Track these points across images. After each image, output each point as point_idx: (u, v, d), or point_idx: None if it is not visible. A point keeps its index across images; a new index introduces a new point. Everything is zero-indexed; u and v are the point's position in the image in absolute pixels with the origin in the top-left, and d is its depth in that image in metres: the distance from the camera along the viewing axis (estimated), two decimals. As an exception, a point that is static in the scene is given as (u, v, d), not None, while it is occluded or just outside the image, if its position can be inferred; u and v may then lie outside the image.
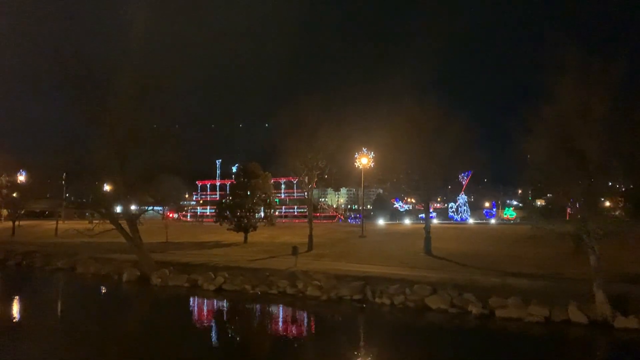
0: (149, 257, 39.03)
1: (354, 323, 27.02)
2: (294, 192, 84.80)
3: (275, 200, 62.84)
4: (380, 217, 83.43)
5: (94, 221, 41.68)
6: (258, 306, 30.26)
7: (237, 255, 43.81)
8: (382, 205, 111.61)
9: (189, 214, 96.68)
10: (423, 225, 43.74)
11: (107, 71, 40.79)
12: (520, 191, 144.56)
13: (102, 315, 28.98)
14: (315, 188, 51.40)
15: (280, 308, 29.79)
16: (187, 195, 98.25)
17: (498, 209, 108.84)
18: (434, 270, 33.91)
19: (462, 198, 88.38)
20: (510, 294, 26.43)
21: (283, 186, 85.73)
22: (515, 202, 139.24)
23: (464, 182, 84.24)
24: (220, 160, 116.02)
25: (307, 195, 49.66)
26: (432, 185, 42.94)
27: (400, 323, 26.20)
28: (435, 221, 66.71)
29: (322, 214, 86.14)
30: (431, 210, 50.82)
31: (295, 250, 38.11)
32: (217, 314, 30.22)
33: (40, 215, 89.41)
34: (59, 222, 67.82)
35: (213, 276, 34.67)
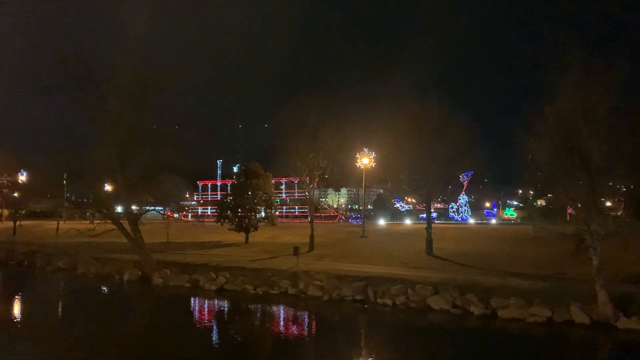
0: (150, 257, 39.03)
1: (355, 323, 27.02)
2: (294, 192, 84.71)
3: (276, 200, 62.73)
4: (380, 217, 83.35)
5: (95, 221, 41.71)
6: (260, 306, 30.23)
7: (238, 255, 43.80)
8: (382, 205, 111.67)
9: (189, 214, 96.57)
10: (424, 226, 43.70)
11: (108, 71, 40.92)
12: (520, 191, 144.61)
13: (103, 316, 28.95)
14: (316, 188, 51.37)
15: (282, 308, 29.79)
16: (187, 195, 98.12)
17: (499, 209, 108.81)
18: (435, 270, 33.89)
19: (463, 198, 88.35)
20: (512, 294, 26.41)
21: (284, 186, 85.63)
22: (515, 202, 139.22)
23: (464, 183, 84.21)
24: (221, 161, 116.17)
25: (309, 195, 49.63)
26: (434, 186, 42.89)
27: (402, 323, 26.19)
28: (435, 221, 66.62)
29: (323, 214, 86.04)
30: (432, 210, 50.74)
31: (296, 251, 38.10)
32: (218, 314, 30.23)
33: (41, 215, 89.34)
34: (59, 222, 67.84)
35: (214, 276, 34.69)
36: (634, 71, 25.24)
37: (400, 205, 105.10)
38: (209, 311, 30.84)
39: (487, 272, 32.73)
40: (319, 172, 46.65)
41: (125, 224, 39.58)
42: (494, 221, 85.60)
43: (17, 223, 68.75)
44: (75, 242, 48.33)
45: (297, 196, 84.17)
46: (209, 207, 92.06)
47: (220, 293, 32.90)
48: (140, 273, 37.69)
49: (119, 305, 33.14)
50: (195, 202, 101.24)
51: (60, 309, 31.55)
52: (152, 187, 40.97)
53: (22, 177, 76.41)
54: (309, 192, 49.18)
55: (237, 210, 52.41)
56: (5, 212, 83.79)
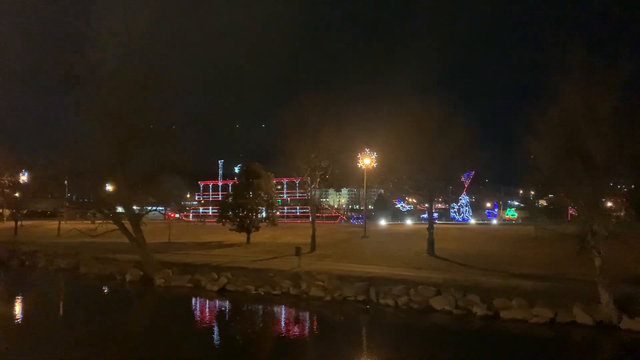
0: (152, 258, 39.02)
1: (358, 324, 27.01)
2: (296, 193, 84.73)
3: (278, 200, 62.72)
4: (381, 218, 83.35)
5: (97, 221, 41.72)
6: (262, 307, 30.18)
7: (239, 255, 43.79)
8: (383, 205, 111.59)
9: (191, 214, 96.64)
10: (425, 226, 43.69)
11: (109, 71, 40.94)
12: (521, 191, 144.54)
13: (104, 316, 28.91)
14: (317, 188, 51.37)
15: (284, 309, 29.73)
16: (188, 196, 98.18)
17: (500, 209, 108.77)
18: (437, 271, 33.85)
19: (464, 198, 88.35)
20: (514, 295, 26.39)
21: (285, 186, 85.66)
22: (516, 203, 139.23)
23: (465, 183, 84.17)
24: (222, 161, 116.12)
25: (310, 195, 49.61)
26: (435, 186, 42.87)
27: (405, 324, 26.15)
28: (436, 221, 66.64)
29: (325, 214, 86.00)
30: (433, 210, 50.69)
31: (298, 251, 38.08)
32: (220, 314, 30.20)
33: (42, 215, 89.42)
34: (61, 222, 67.87)
35: (216, 277, 34.66)
36: (635, 70, 25.20)
37: (402, 206, 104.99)
38: (210, 312, 30.83)
39: (489, 273, 32.70)
40: (321, 173, 46.65)
41: (127, 224, 39.60)
42: (495, 221, 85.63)
43: (19, 223, 68.73)
44: (76, 242, 48.31)
45: (299, 196, 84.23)
46: (210, 207, 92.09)
47: (222, 293, 32.85)
48: (141, 273, 37.67)
49: (121, 305, 33.11)
50: (196, 202, 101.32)
51: (61, 310, 31.62)
52: (153, 187, 40.94)
53: (24, 177, 76.56)
54: (310, 193, 49.15)
55: (238, 211, 52.41)
56: (7, 212, 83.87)
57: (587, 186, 25.40)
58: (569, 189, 27.05)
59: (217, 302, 31.78)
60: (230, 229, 52.69)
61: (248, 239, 52.24)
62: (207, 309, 31.30)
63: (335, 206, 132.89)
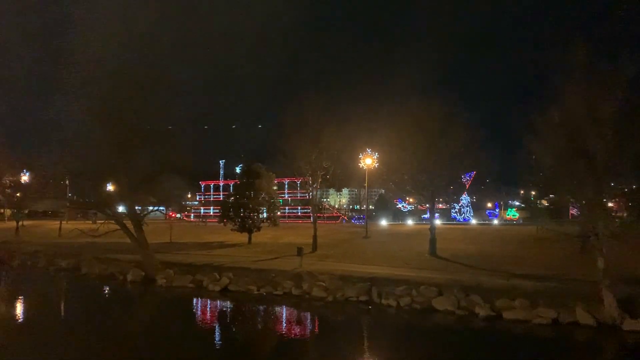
0: (154, 258, 39.01)
1: (360, 324, 27.01)
2: (297, 193, 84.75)
3: (279, 201, 62.74)
4: (382, 218, 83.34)
5: (99, 221, 41.71)
6: (264, 307, 30.15)
7: (241, 255, 43.77)
8: (384, 205, 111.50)
9: (192, 214, 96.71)
10: (426, 226, 43.71)
11: (109, 71, 40.92)
12: (522, 192, 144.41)
13: (106, 316, 28.92)
14: (318, 189, 51.36)
15: (286, 309, 29.70)
16: (189, 196, 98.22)
17: (500, 209, 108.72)
18: (439, 271, 33.81)
19: (465, 199, 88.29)
20: (517, 295, 26.36)
21: (286, 187, 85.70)
22: (517, 203, 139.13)
23: (466, 183, 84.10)
24: (223, 161, 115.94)
25: (312, 195, 49.59)
26: (437, 186, 42.85)
27: (407, 325, 26.13)
28: (438, 222, 66.68)
29: (326, 214, 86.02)
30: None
31: (300, 251, 38.07)
32: (222, 315, 30.18)
33: (43, 215, 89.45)
34: (62, 222, 67.86)
35: (218, 277, 34.65)
36: (637, 70, 25.13)
37: (403, 206, 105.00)
38: (213, 312, 30.82)
39: (491, 273, 32.65)
40: (322, 173, 46.64)
41: (128, 224, 39.59)
42: (496, 221, 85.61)
43: (20, 223, 68.71)
44: (77, 243, 48.33)
45: (300, 197, 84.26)
46: (212, 207, 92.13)
47: (224, 294, 32.84)
48: (143, 273, 37.67)
49: (122, 306, 33.09)
50: (197, 202, 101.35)
51: (62, 310, 31.59)
52: (154, 188, 40.93)
53: (25, 177, 76.59)
54: (312, 193, 49.14)
55: (239, 211, 52.40)
56: (8, 212, 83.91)
57: (589, 186, 25.40)
58: (571, 189, 27.04)
59: (220, 302, 31.76)
60: (231, 229, 52.69)
61: (249, 239, 52.23)
62: (209, 310, 31.31)
63: (336, 206, 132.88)
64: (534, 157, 31.66)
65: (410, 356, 21.57)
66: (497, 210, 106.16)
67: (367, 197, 76.41)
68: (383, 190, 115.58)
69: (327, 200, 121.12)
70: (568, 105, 25.97)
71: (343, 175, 52.26)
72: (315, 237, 45.95)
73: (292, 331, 25.78)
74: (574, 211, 35.56)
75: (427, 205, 48.37)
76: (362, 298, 29.27)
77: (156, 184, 40.56)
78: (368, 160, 58.78)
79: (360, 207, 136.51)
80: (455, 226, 69.95)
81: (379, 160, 57.13)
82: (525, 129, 29.15)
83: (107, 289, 37.08)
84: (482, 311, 25.63)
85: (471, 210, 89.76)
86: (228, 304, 31.44)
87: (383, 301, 28.57)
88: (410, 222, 79.11)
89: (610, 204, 31.93)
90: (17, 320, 28.63)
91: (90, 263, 42.21)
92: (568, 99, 25.97)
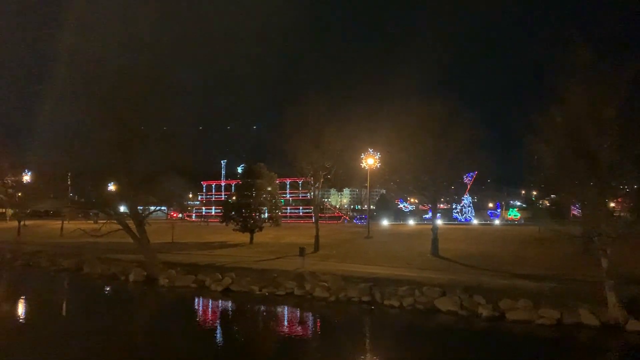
0: (156, 258, 39.00)
1: (363, 325, 26.99)
2: (299, 193, 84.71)
3: (281, 201, 62.72)
4: (384, 218, 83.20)
5: (101, 221, 41.70)
6: (266, 307, 30.10)
7: (243, 255, 43.77)
8: (385, 205, 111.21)
9: (194, 214, 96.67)
10: (428, 226, 43.66)
11: (113, 72, 40.95)
12: (523, 192, 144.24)
13: (109, 316, 28.91)
14: (320, 189, 51.32)
15: (289, 309, 29.69)
16: (190, 196, 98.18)
17: (502, 209, 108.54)
18: (442, 271, 33.81)
19: (467, 199, 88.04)
20: (519, 296, 26.34)
21: (288, 187, 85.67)
22: (518, 203, 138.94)
23: (468, 183, 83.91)
24: (225, 161, 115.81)
25: (314, 195, 49.57)
26: (439, 186, 42.82)
27: (410, 325, 26.12)
28: (439, 222, 66.65)
29: (328, 214, 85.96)
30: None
31: (302, 251, 38.07)
32: (225, 315, 30.19)
33: (45, 215, 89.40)
34: (63, 222, 67.84)
35: (220, 277, 34.62)
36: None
37: (404, 206, 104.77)
38: (215, 312, 30.81)
39: (493, 274, 32.68)
40: (324, 173, 46.62)
41: (131, 224, 39.56)
42: (497, 222, 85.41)
43: (21, 223, 68.76)
44: (79, 242, 48.29)
45: (301, 197, 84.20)
46: (213, 207, 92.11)
47: (226, 294, 32.82)
48: (145, 273, 37.66)
49: (125, 306, 33.06)
50: (198, 202, 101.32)
51: (64, 310, 31.56)
52: (156, 188, 40.92)
53: (27, 177, 76.58)
54: (314, 193, 49.12)
55: (241, 211, 52.38)
56: (10, 211, 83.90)
57: (591, 187, 25.35)
58: (574, 189, 26.97)
59: (222, 302, 31.75)
60: (233, 229, 52.68)
61: (251, 239, 52.22)
62: (212, 310, 31.30)
63: (337, 206, 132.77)
64: (535, 157, 31.59)
65: (413, 357, 21.58)
66: (498, 210, 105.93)
67: (369, 197, 76.16)
68: (384, 191, 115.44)
69: (328, 200, 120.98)
70: (570, 105, 25.91)
71: (345, 175, 52.19)
72: (317, 237, 45.93)
73: (295, 331, 25.77)
74: (575, 211, 35.48)
75: (430, 205, 48.33)
76: (365, 298, 29.25)
77: (157, 184, 40.54)
78: (370, 160, 58.69)
79: (362, 207, 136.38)
80: (457, 226, 69.81)
81: (381, 160, 57.08)
82: (526, 129, 29.09)
83: (109, 289, 37.09)
84: (485, 312, 25.62)
85: (473, 211, 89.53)
86: (230, 304, 31.45)
87: (386, 301, 28.56)
88: (411, 222, 78.91)
89: (611, 204, 31.80)
90: (19, 320, 28.66)
91: (93, 263, 42.21)
92: (570, 99, 25.91)
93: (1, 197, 77.71)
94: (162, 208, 53.66)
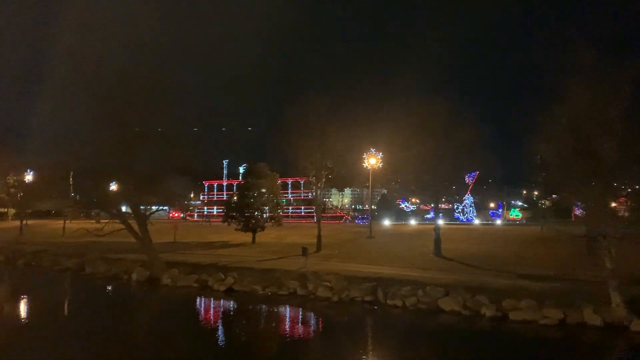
0: (158, 257, 39.00)
1: (366, 325, 26.98)
2: (300, 193, 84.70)
3: (282, 200, 62.74)
4: (385, 218, 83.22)
5: (103, 221, 41.73)
6: (269, 307, 30.10)
7: (245, 255, 43.77)
8: (386, 205, 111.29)
9: (195, 214, 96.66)
10: (430, 226, 43.67)
11: (114, 71, 40.97)
12: (524, 192, 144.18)
13: (111, 316, 28.92)
14: (322, 188, 51.32)
15: (292, 309, 29.69)
16: (192, 195, 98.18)
17: (504, 209, 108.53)
18: (445, 271, 33.79)
19: (469, 199, 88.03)
20: (523, 296, 26.28)
21: (290, 187, 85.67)
22: (520, 203, 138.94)
23: (470, 183, 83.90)
24: (227, 160, 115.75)
25: (316, 195, 49.59)
26: (442, 186, 42.85)
27: (413, 325, 26.10)
28: (441, 222, 66.70)
29: (329, 214, 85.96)
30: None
31: (305, 251, 38.02)
32: (228, 315, 30.17)
33: (47, 215, 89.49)
34: (65, 221, 67.87)
35: (223, 277, 34.63)
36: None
37: (406, 206, 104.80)
38: (218, 312, 30.80)
39: (496, 274, 32.63)
40: (326, 173, 46.63)
41: (133, 223, 39.59)
42: (499, 222, 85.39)
43: (23, 222, 68.82)
44: (82, 242, 48.21)
45: (303, 196, 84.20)
46: (215, 207, 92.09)
47: (229, 293, 32.82)
48: (148, 273, 37.64)
49: (127, 305, 33.05)
50: (200, 202, 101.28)
51: (66, 310, 31.58)
52: (159, 187, 40.93)
53: (28, 177, 76.66)
54: (316, 193, 49.14)
55: (243, 211, 52.40)
56: (11, 211, 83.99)
57: (594, 186, 25.32)
58: (577, 189, 26.94)
59: (225, 302, 31.75)
60: (235, 229, 52.68)
61: (253, 238, 52.24)
62: (214, 309, 31.28)
63: (339, 206, 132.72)
64: (538, 157, 31.60)
65: (416, 357, 21.53)
66: (500, 210, 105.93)
67: (371, 197, 76.16)
68: (385, 190, 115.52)
69: (329, 200, 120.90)
70: (572, 104, 25.87)
71: (347, 175, 52.22)
72: (319, 237, 45.92)
73: (298, 331, 25.79)
74: (577, 212, 35.47)
75: (432, 204, 48.38)
76: (368, 298, 29.23)
77: (159, 184, 40.57)
78: (372, 160, 58.68)
79: (363, 207, 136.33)
80: (459, 226, 69.83)
81: (383, 160, 57.09)
82: (528, 128, 29.12)
83: (111, 289, 37.12)
84: (488, 312, 25.57)
85: (474, 211, 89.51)
86: (233, 304, 31.44)
87: (389, 301, 28.52)
88: (413, 222, 78.93)
89: (613, 204, 31.78)
90: (20, 320, 28.64)
91: (95, 263, 42.21)
92: (572, 99, 25.88)
93: (3, 197, 77.90)
94: (164, 208, 53.81)
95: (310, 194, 73.02)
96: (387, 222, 77.36)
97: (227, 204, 58.17)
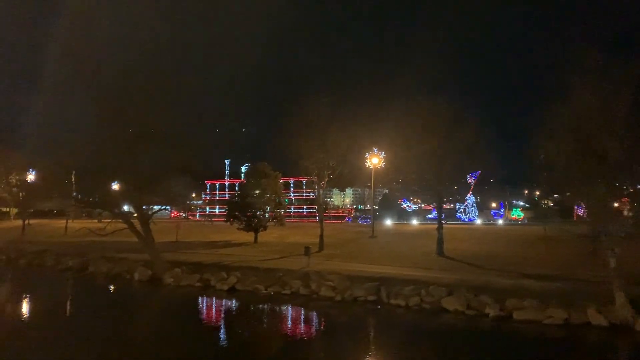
0: (161, 257, 39.01)
1: (369, 324, 26.91)
2: (302, 192, 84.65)
3: (285, 200, 62.71)
4: (387, 218, 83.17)
5: (104, 220, 41.75)
6: (272, 307, 30.08)
7: (248, 255, 43.77)
8: (388, 205, 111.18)
9: (198, 213, 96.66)
10: (432, 226, 43.63)
11: (116, 71, 41.00)
12: (526, 191, 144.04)
13: (114, 316, 28.86)
14: (324, 188, 51.30)
15: (295, 309, 29.63)
16: (194, 195, 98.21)
17: (506, 209, 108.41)
18: (447, 271, 33.74)
19: (470, 198, 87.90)
20: (526, 295, 26.23)
21: (292, 186, 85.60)
22: (521, 203, 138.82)
23: (472, 183, 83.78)
24: (229, 160, 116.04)
25: (318, 195, 49.55)
26: (444, 186, 42.78)
27: (417, 325, 26.05)
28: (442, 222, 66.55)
29: (331, 214, 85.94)
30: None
31: (307, 251, 38.03)
32: (231, 314, 30.17)
33: (49, 214, 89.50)
34: (67, 221, 67.91)
35: (225, 276, 34.62)
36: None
37: (407, 206, 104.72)
38: (221, 311, 30.80)
39: (499, 273, 32.57)
40: (329, 172, 46.60)
41: (136, 223, 39.58)
42: (500, 221, 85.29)
43: (25, 222, 68.84)
44: (84, 241, 48.31)
45: (305, 196, 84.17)
46: (217, 207, 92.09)
47: (232, 293, 32.80)
48: (150, 273, 37.63)
49: (130, 305, 33.06)
50: (201, 202, 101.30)
51: (69, 309, 31.51)
52: (159, 187, 40.91)
53: (31, 176, 76.62)
54: (318, 192, 49.10)
55: (246, 210, 52.40)
56: (14, 210, 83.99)
57: (599, 186, 25.25)
58: (580, 189, 26.88)
59: (227, 301, 31.75)
60: (238, 229, 52.70)
61: (256, 238, 52.25)
62: (217, 309, 31.28)
63: (340, 206, 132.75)
64: (541, 156, 31.49)
65: (420, 356, 21.45)
66: (502, 210, 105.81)
67: (373, 196, 76.11)
68: (387, 190, 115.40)
69: (331, 200, 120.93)
70: (578, 104, 25.80)
71: (349, 174, 52.18)
72: (321, 236, 45.91)
73: (301, 331, 25.75)
74: (579, 211, 35.35)
75: (434, 204, 48.31)
76: (371, 298, 29.19)
77: (159, 184, 40.54)
78: (374, 160, 58.61)
79: (364, 207, 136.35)
80: (461, 226, 69.71)
81: (386, 159, 57.02)
82: (533, 129, 29.03)
83: (114, 288, 37.11)
84: (492, 311, 25.50)
85: (476, 210, 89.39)
86: (236, 303, 31.43)
87: (392, 301, 28.49)
88: (415, 222, 78.88)
89: (615, 204, 31.70)
90: (23, 319, 28.61)
91: (97, 262, 42.23)
92: (578, 99, 25.81)
93: (5, 196, 77.87)
94: (167, 207, 53.77)
95: (312, 194, 73.04)
96: (388, 222, 77.29)
97: (229, 203, 58.16)
